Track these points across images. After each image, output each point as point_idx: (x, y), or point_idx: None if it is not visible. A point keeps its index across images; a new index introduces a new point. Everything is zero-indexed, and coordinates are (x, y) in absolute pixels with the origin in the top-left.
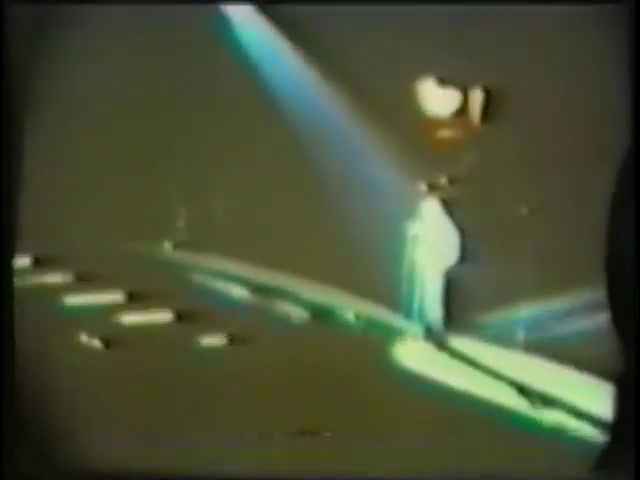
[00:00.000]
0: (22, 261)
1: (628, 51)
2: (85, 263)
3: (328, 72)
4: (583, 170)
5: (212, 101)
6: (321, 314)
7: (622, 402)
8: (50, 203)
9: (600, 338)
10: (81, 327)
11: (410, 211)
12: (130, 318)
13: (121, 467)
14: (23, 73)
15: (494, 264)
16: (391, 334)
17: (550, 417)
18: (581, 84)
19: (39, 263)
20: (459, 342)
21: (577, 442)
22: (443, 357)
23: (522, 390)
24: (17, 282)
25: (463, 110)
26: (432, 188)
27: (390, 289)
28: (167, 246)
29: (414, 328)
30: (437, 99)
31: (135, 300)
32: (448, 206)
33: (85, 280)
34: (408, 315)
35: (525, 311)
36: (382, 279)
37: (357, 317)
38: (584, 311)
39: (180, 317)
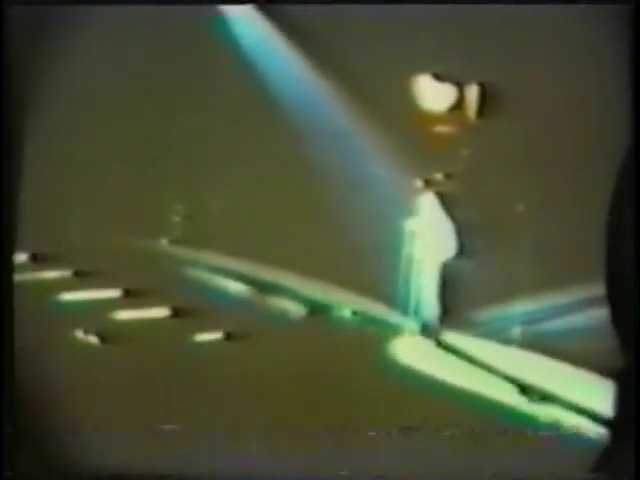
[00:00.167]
0: (20, 257)
1: (628, 51)
2: (82, 259)
3: (325, 69)
4: (580, 166)
5: (210, 99)
6: (318, 310)
7: (621, 399)
8: (48, 200)
9: (597, 334)
10: (78, 323)
11: (407, 207)
12: (127, 314)
13: (118, 465)
14: (23, 73)
15: (491, 260)
16: (388, 330)
17: (548, 413)
18: (580, 83)
19: (36, 259)
20: (456, 338)
21: (576, 441)
22: (440, 353)
23: (519, 386)
24: (15, 277)
25: (459, 105)
26: (428, 184)
27: (387, 285)
28: (164, 242)
29: (411, 324)
30: (433, 95)
31: (132, 296)
32: (444, 202)
33: (82, 276)
34: (405, 311)
35: (522, 307)
36: (379, 275)
37: (354, 313)
38: (581, 307)
39: (177, 313)
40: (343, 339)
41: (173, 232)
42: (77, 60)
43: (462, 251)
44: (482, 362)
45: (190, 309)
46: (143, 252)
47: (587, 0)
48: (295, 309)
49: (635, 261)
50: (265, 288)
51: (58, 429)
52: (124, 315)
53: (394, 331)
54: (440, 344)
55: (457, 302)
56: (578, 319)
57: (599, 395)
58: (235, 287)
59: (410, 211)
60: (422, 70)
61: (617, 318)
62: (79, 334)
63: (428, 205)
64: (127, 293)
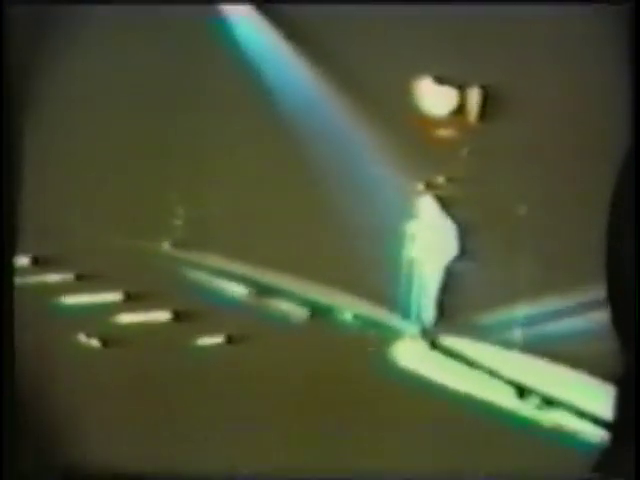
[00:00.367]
0: (20, 260)
1: (628, 51)
2: (84, 262)
3: (325, 71)
4: (582, 169)
5: (211, 100)
6: (319, 313)
7: (621, 402)
8: (49, 202)
9: (599, 337)
10: (79, 326)
11: (408, 210)
12: (129, 317)
13: (119, 467)
14: (23, 73)
15: (492, 263)
16: (389, 333)
17: (549, 417)
18: (582, 84)
19: (37, 262)
20: (457, 342)
21: (576, 443)
22: (440, 357)
23: (520, 390)
24: (16, 281)
25: (460, 109)
26: (430, 187)
27: (388, 289)
28: (166, 245)
29: (412, 327)
30: (434, 98)
31: (134, 299)
32: (446, 205)
33: (84, 279)
34: (406, 315)
35: (523, 310)
36: (380, 279)
37: (355, 317)
38: (583, 310)
39: (178, 316)
40: (344, 342)
41: (175, 235)
42: (77, 60)
43: (463, 254)
44: (483, 365)
45: (192, 312)
46: (144, 255)
47: (587, 0)
48: (297, 312)
49: (635, 262)
50: (266, 291)
51: (59, 431)
52: (126, 318)
53: (395, 334)
54: (441, 347)
55: (458, 305)
56: (580, 322)
57: (600, 398)
58: (236, 290)
59: (411, 214)
60: (423, 73)
61: (617, 320)
62: (81, 337)
63: (429, 208)
64: (128, 296)
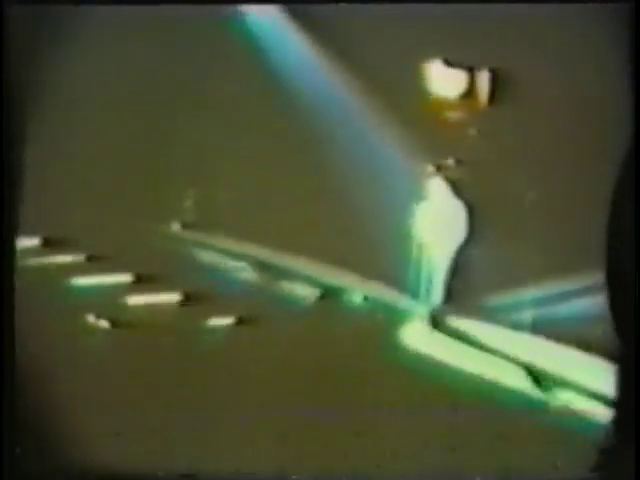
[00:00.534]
0: (31, 242)
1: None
2: (93, 244)
3: (336, 55)
4: (590, 153)
5: (220, 84)
6: (329, 295)
7: (623, 383)
8: (59, 185)
9: (606, 319)
10: (89, 308)
11: (418, 193)
12: (138, 299)
13: (124, 462)
14: (23, 72)
15: (501, 246)
16: (398, 315)
17: (557, 398)
18: (590, 72)
19: (48, 244)
20: (465, 323)
21: (583, 424)
22: (449, 338)
23: (529, 371)
24: (26, 262)
25: (470, 92)
26: (440, 169)
27: (398, 271)
28: (175, 227)
29: (421, 309)
30: (444, 81)
31: (143, 281)
32: (455, 188)
33: (93, 261)
34: (415, 296)
35: (531, 292)
36: (390, 261)
37: (365, 298)
38: (590, 292)
39: (188, 298)
40: (354, 324)
41: (184, 217)
42: (80, 58)
43: (472, 237)
44: (491, 347)
45: (201, 294)
46: (154, 237)
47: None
48: (307, 293)
49: (635, 254)
50: (276, 273)
51: (65, 417)
52: (135, 300)
53: (404, 316)
54: (449, 329)
55: (466, 287)
56: (587, 304)
57: (606, 378)
58: (246, 272)
59: (421, 196)
60: (433, 56)
61: (615, 306)
62: (90, 319)
63: (439, 190)
64: (138, 278)
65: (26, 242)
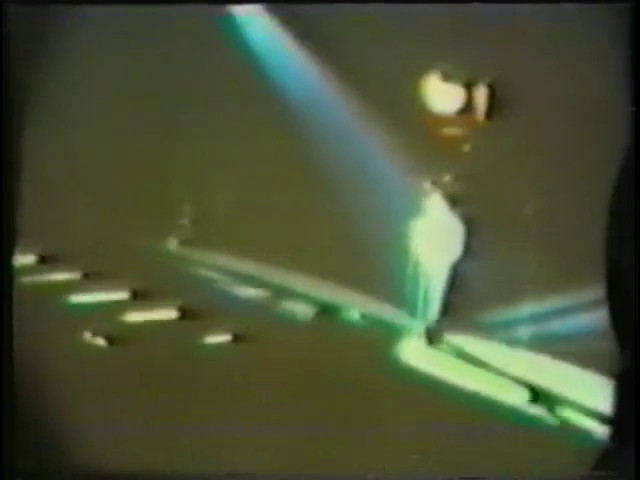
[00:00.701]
0: (27, 259)
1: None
2: (90, 260)
3: (333, 68)
4: (589, 168)
5: (217, 98)
6: (326, 312)
7: (621, 400)
8: (55, 201)
9: (604, 335)
10: (86, 324)
11: (415, 208)
12: (135, 315)
13: (125, 466)
14: (23, 73)
15: (498, 261)
16: (395, 332)
17: (553, 414)
18: (587, 83)
19: (44, 261)
20: (462, 339)
21: (581, 440)
22: (446, 355)
23: (525, 387)
24: (22, 279)
25: (468, 107)
26: (436, 185)
27: (395, 287)
28: (172, 243)
29: (418, 326)
30: (442, 96)
31: (140, 297)
32: (453, 203)
33: (90, 277)
34: (412, 313)
35: (528, 308)
36: (386, 277)
37: (362, 315)
38: (589, 308)
39: (185, 314)
40: (351, 341)
41: (182, 233)
42: (80, 58)
43: (469, 252)
44: (489, 363)
45: (198, 310)
46: (151, 253)
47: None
48: (304, 310)
49: (635, 263)
50: (273, 290)
51: (63, 430)
52: (132, 316)
53: (402, 332)
54: (447, 345)
55: (464, 303)
56: (585, 320)
57: (604, 395)
58: (243, 289)
59: (418, 212)
60: (431, 71)
61: (617, 320)
62: (87, 336)
63: (436, 206)
64: (135, 294)
65: (23, 259)
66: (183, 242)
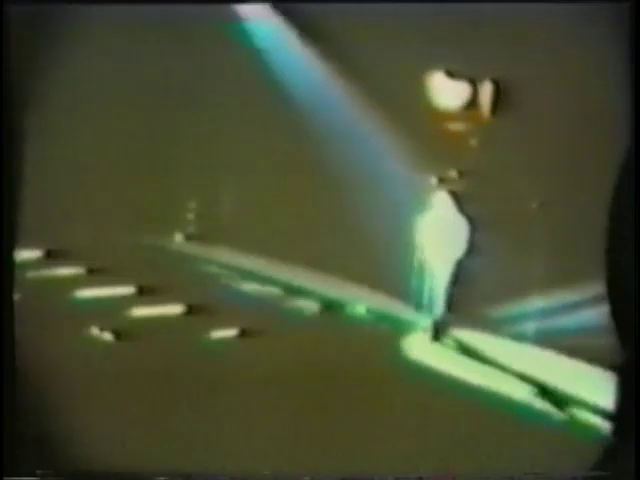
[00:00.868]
0: (34, 254)
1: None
2: (97, 256)
3: (338, 66)
4: (594, 163)
5: (223, 96)
6: (332, 307)
7: (622, 396)
8: (62, 196)
9: (611, 330)
10: (92, 320)
11: (420, 203)
12: (141, 311)
13: (131, 462)
14: (23, 73)
15: (504, 257)
16: (402, 327)
17: (558, 409)
18: (584, 82)
19: (51, 256)
20: (468, 335)
21: (583, 436)
22: (452, 350)
23: (532, 382)
24: (29, 275)
25: (473, 103)
26: (442, 181)
27: (401, 282)
28: (178, 239)
29: (424, 321)
30: (447, 92)
31: (147, 293)
32: (458, 199)
33: (97, 273)
34: (418, 308)
35: (534, 304)
36: (393, 272)
37: (368, 310)
38: (594, 303)
39: (191, 310)
40: (357, 336)
41: (188, 229)
42: (81, 58)
43: (475, 248)
44: (494, 358)
45: (204, 306)
46: (158, 249)
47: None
48: (310, 305)
49: (635, 260)
50: (279, 285)
51: (67, 428)
52: (138, 312)
53: (408, 328)
54: (453, 340)
55: (470, 298)
56: (591, 315)
57: (608, 391)
58: (249, 284)
59: (424, 207)
60: (436, 67)
61: (617, 315)
62: (94, 331)
63: (442, 202)
64: (142, 290)
65: (29, 254)
66: (189, 237)
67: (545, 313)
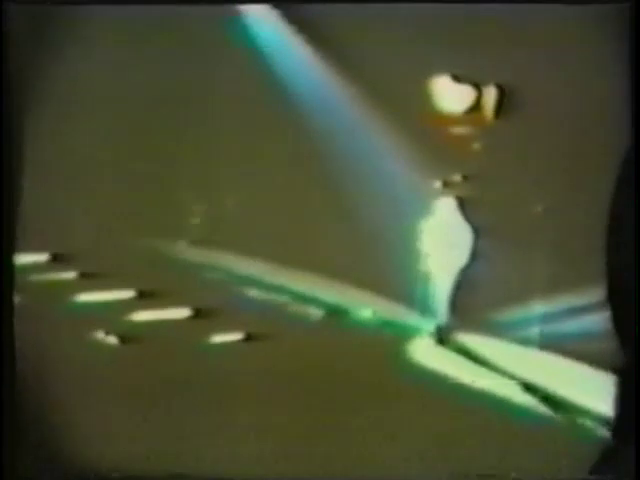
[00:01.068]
0: (37, 258)
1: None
2: (100, 260)
3: (342, 69)
4: (598, 168)
5: (225, 98)
6: (337, 312)
7: (623, 400)
8: (65, 200)
9: (613, 335)
10: (95, 324)
11: (425, 208)
12: (145, 316)
13: (135, 466)
14: (23, 73)
15: (508, 261)
16: (406, 332)
17: (561, 413)
18: (584, 82)
19: (54, 260)
20: (473, 339)
21: (584, 439)
22: (457, 354)
23: (536, 386)
24: (31, 279)
25: (477, 107)
26: (446, 185)
27: (405, 287)
28: (182, 244)
29: (429, 326)
30: (451, 96)
31: (151, 297)
32: (462, 203)
33: (100, 278)
34: (423, 313)
35: (538, 308)
36: (397, 277)
37: (373, 315)
38: (597, 308)
39: (196, 314)
40: (362, 340)
41: (192, 234)
42: (81, 58)
43: (479, 252)
44: (499, 362)
45: (209, 310)
46: (161, 253)
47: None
48: (315, 310)
49: (635, 263)
50: (283, 290)
51: (69, 432)
52: (143, 316)
53: (412, 333)
54: (457, 345)
55: (474, 303)
56: (595, 320)
57: (609, 394)
58: (253, 289)
59: (428, 212)
60: (440, 71)
61: (618, 320)
62: (97, 336)
63: (446, 206)
64: (146, 294)
65: (31, 258)
66: (193, 243)
67: (548, 318)
